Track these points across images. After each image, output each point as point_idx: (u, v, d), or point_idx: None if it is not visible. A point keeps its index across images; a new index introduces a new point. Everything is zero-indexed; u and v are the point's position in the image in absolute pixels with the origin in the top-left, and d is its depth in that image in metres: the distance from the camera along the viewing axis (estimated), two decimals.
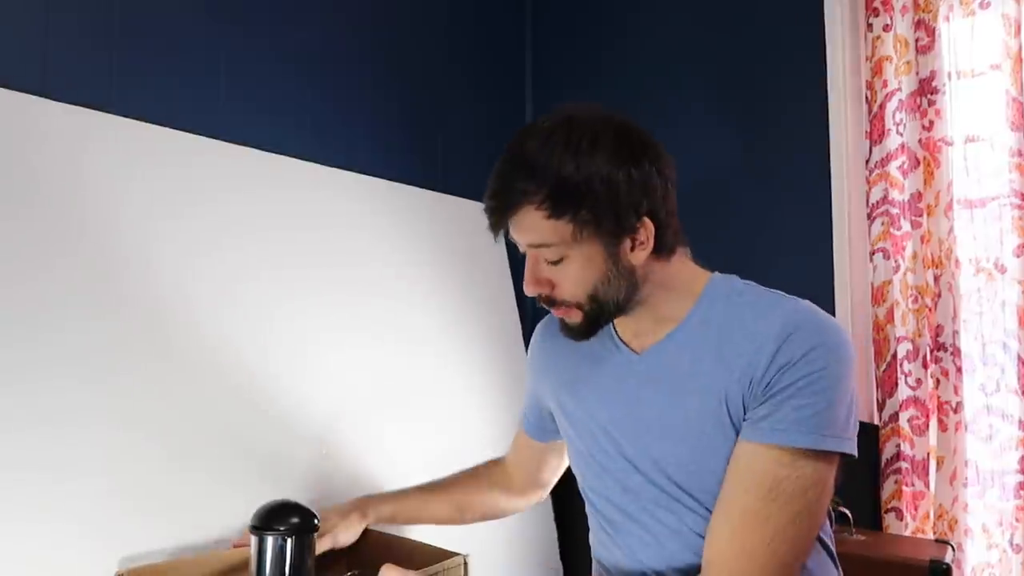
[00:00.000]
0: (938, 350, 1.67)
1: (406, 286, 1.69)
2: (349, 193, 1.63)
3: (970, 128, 1.67)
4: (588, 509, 1.01)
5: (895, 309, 1.68)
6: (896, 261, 1.69)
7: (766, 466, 0.78)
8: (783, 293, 0.87)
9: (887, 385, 1.68)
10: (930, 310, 1.68)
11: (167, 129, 1.32)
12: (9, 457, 1.01)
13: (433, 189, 1.85)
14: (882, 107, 1.71)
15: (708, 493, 0.84)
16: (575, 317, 0.88)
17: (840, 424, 0.79)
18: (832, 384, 0.78)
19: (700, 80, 2.00)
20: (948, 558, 1.37)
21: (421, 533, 1.26)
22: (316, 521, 1.05)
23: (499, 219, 0.85)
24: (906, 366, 1.67)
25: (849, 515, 1.50)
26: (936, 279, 1.67)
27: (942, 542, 1.49)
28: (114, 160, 1.24)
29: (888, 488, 1.66)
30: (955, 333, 1.64)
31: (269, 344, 1.37)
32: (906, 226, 1.69)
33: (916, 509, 1.64)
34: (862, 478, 1.69)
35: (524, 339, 1.96)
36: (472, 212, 1.92)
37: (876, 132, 1.72)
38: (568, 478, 1.15)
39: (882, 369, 1.69)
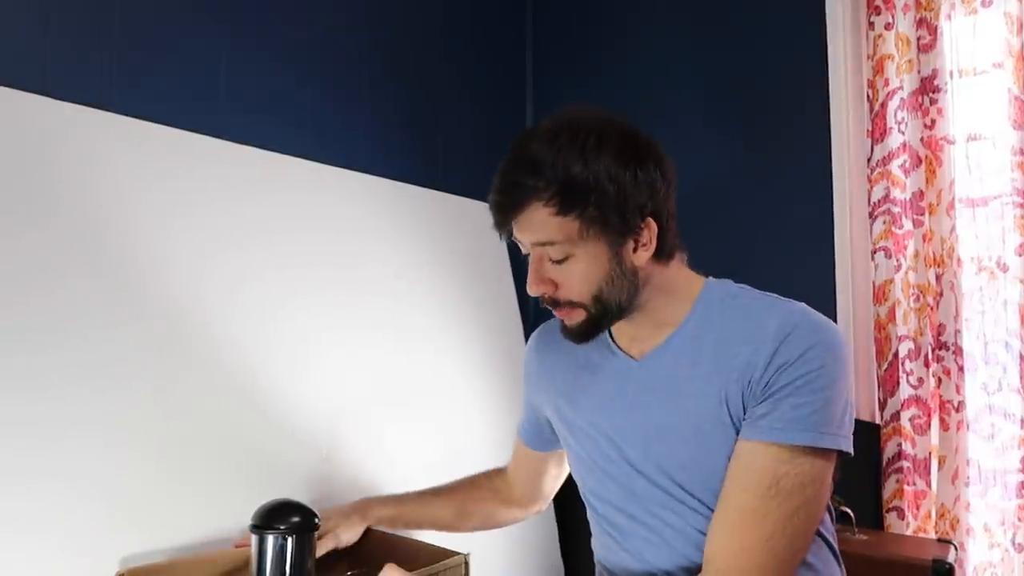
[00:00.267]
0: (940, 349, 1.66)
1: (406, 285, 1.69)
2: (349, 192, 1.63)
3: (972, 127, 1.67)
4: (590, 514, 1.01)
5: (897, 308, 1.67)
6: (898, 260, 1.68)
7: (765, 463, 0.79)
8: (777, 295, 0.88)
9: (889, 384, 1.68)
10: (932, 309, 1.67)
11: (167, 128, 1.32)
12: (10, 457, 1.01)
13: (433, 188, 1.84)
14: (884, 106, 1.71)
15: (712, 493, 0.85)
16: (577, 318, 0.88)
17: (837, 422, 0.80)
18: (829, 383, 0.80)
19: (701, 79, 2.00)
20: (951, 557, 1.37)
21: (422, 533, 1.25)
22: (317, 520, 1.05)
23: (505, 216, 0.85)
24: (908, 365, 1.66)
25: (851, 514, 1.49)
26: (938, 278, 1.67)
27: (944, 541, 1.49)
28: (113, 159, 1.23)
29: (890, 487, 1.65)
30: (957, 332, 1.63)
31: (269, 343, 1.37)
32: (908, 225, 1.69)
33: (918, 508, 1.64)
34: (864, 477, 1.68)
35: (525, 337, 1.96)
36: (473, 211, 1.93)
37: (878, 131, 1.72)
38: (569, 479, 1.15)
39: (884, 368, 1.69)
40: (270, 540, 1.01)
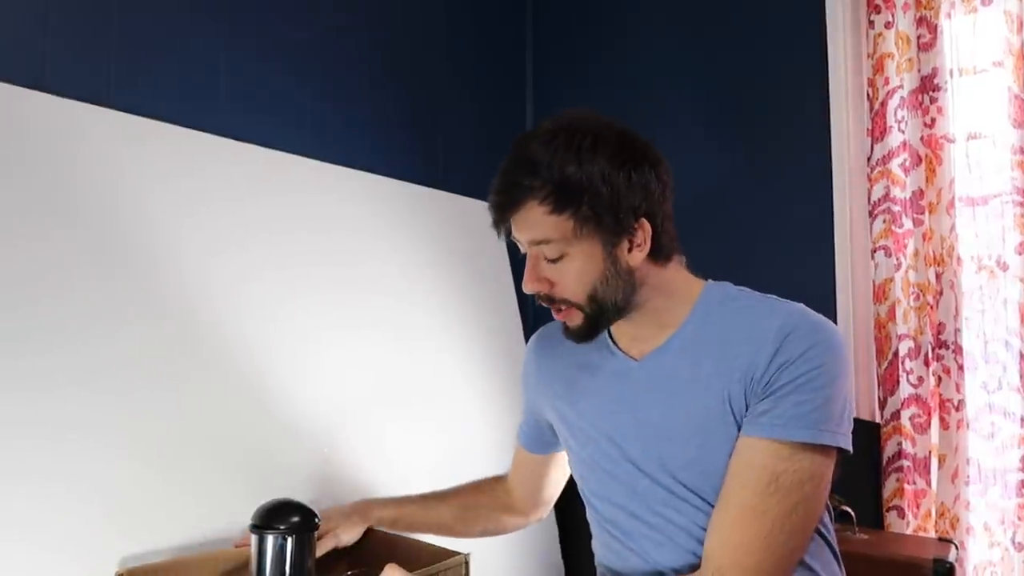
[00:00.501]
0: (940, 348, 1.66)
1: (407, 285, 1.68)
2: (349, 191, 1.63)
3: (972, 125, 1.67)
4: (591, 515, 1.01)
5: (897, 307, 1.67)
6: (898, 259, 1.68)
7: (765, 460, 0.80)
8: (776, 297, 0.89)
9: (888, 383, 1.68)
10: (932, 308, 1.67)
11: (166, 124, 1.32)
12: (11, 457, 1.01)
13: (433, 187, 1.84)
14: (884, 104, 1.71)
15: (715, 491, 0.86)
16: (576, 319, 0.89)
17: (836, 419, 0.82)
18: (829, 381, 0.81)
19: (701, 78, 2.00)
20: (951, 556, 1.37)
21: (422, 534, 1.25)
22: (316, 520, 1.05)
23: (502, 214, 0.87)
24: (908, 364, 1.66)
25: (851, 513, 1.49)
26: (938, 277, 1.67)
27: (944, 540, 1.49)
28: (112, 156, 1.23)
29: (890, 486, 1.65)
30: (957, 331, 1.63)
31: (269, 342, 1.37)
32: (908, 224, 1.69)
33: (918, 507, 1.64)
34: (864, 476, 1.68)
35: (525, 336, 1.95)
36: (472, 210, 1.92)
37: (878, 129, 1.72)
38: (570, 482, 1.15)
39: (883, 367, 1.69)
40: (270, 540, 1.01)
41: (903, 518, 1.63)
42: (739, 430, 0.84)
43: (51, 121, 1.17)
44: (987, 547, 1.62)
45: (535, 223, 0.85)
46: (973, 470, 1.62)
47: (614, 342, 0.96)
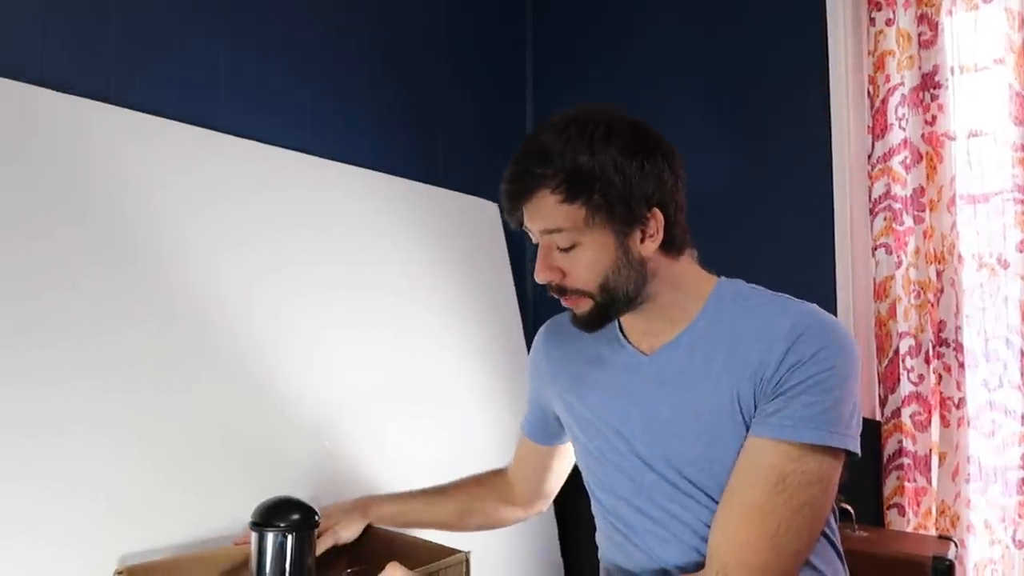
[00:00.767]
0: (940, 346, 1.66)
1: (407, 282, 1.68)
2: (349, 188, 1.63)
3: (973, 123, 1.66)
4: (596, 509, 1.01)
5: (897, 305, 1.67)
6: (898, 256, 1.68)
7: (773, 460, 0.80)
8: (789, 296, 0.89)
9: (889, 381, 1.68)
10: (932, 306, 1.67)
11: (167, 121, 1.32)
12: (10, 454, 1.01)
13: (433, 184, 1.84)
14: (884, 102, 1.71)
15: (721, 488, 0.86)
16: (585, 307, 0.89)
17: (846, 422, 0.81)
18: (839, 383, 0.81)
19: (702, 77, 2.00)
20: (951, 554, 1.37)
21: (422, 530, 1.25)
22: (316, 517, 1.05)
23: (515, 203, 0.87)
24: (908, 362, 1.66)
25: (852, 511, 1.49)
26: (939, 274, 1.66)
27: (945, 538, 1.49)
28: (114, 152, 1.23)
29: (890, 484, 1.65)
30: (957, 329, 1.63)
31: (268, 339, 1.36)
32: (908, 221, 1.69)
33: (918, 505, 1.64)
34: (864, 474, 1.68)
35: (525, 334, 1.95)
36: (473, 207, 1.93)
37: (878, 127, 1.71)
38: (571, 477, 1.15)
39: (884, 365, 1.69)
40: (270, 538, 1.01)
41: (903, 516, 1.63)
42: (747, 429, 0.84)
43: (54, 118, 1.17)
44: (987, 545, 1.62)
45: (547, 212, 0.85)
46: (974, 468, 1.62)
47: (624, 336, 0.95)
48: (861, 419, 0.85)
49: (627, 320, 0.94)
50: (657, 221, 0.86)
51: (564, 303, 0.91)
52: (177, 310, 1.25)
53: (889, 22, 1.71)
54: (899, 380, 1.66)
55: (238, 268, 1.35)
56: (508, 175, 0.88)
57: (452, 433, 1.65)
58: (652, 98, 2.02)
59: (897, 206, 1.68)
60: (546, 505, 1.20)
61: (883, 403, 1.69)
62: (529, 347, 1.16)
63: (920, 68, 1.70)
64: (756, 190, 1.89)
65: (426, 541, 1.18)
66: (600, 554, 1.02)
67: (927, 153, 1.69)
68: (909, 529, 1.62)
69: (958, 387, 1.62)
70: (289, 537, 1.01)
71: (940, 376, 1.66)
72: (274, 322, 1.38)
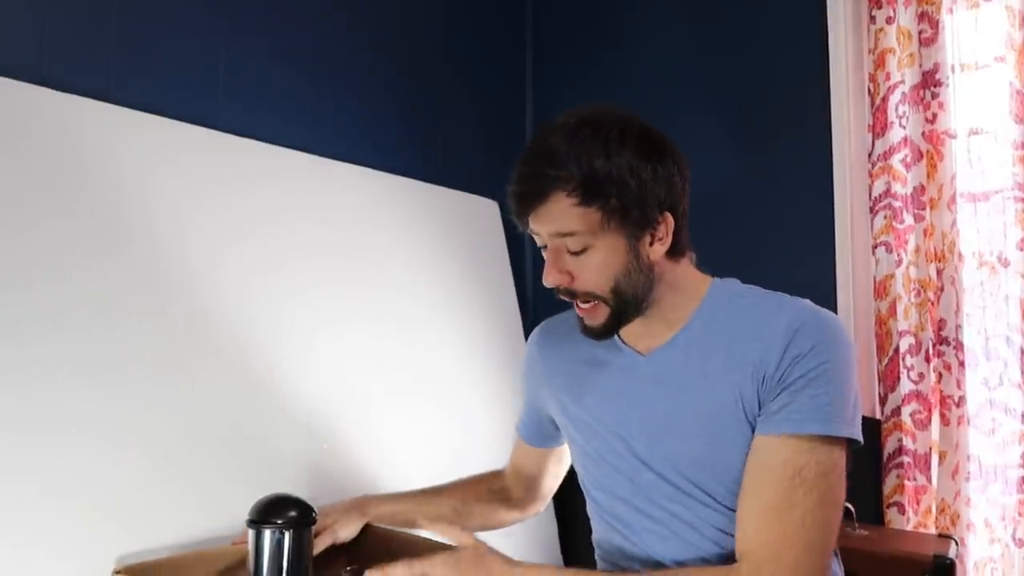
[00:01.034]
0: (940, 344, 1.66)
1: (406, 279, 1.68)
2: (349, 186, 1.63)
3: (973, 121, 1.66)
4: (592, 507, 1.01)
5: (897, 303, 1.67)
6: (899, 255, 1.68)
7: (786, 456, 0.81)
8: (782, 294, 0.90)
9: (889, 379, 1.67)
10: (932, 304, 1.67)
11: (165, 119, 1.32)
12: (7, 452, 1.01)
13: (433, 183, 1.84)
14: (885, 100, 1.70)
15: (722, 486, 0.86)
16: (600, 315, 0.88)
17: (849, 411, 0.82)
18: (840, 374, 0.82)
19: (702, 75, 1.99)
20: (951, 553, 1.37)
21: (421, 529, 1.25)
22: (314, 515, 1.05)
23: (527, 206, 0.85)
24: (908, 360, 1.66)
25: (851, 509, 1.49)
26: (939, 273, 1.66)
27: (945, 537, 1.48)
28: (111, 151, 1.23)
29: (890, 483, 1.65)
30: (958, 327, 1.63)
31: (267, 336, 1.36)
32: (909, 220, 1.68)
33: (918, 504, 1.64)
34: (864, 473, 1.68)
35: (525, 332, 1.95)
36: (472, 205, 1.92)
37: (879, 125, 1.71)
38: (569, 477, 1.14)
39: (884, 363, 1.69)
40: (267, 535, 1.01)
41: (903, 514, 1.63)
42: (751, 428, 0.84)
43: (53, 116, 1.17)
44: (987, 543, 1.61)
45: (560, 215, 0.84)
46: (974, 466, 1.61)
47: (620, 337, 0.95)
48: (860, 408, 0.85)
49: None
50: (667, 224, 0.86)
51: (579, 311, 0.90)
52: (176, 308, 1.24)
53: (889, 20, 1.70)
54: (899, 378, 1.65)
55: (238, 266, 1.35)
56: (519, 177, 0.86)
57: (452, 431, 1.65)
58: (652, 96, 2.02)
59: (897, 204, 1.68)
60: (544, 506, 1.20)
61: (883, 401, 1.69)
62: None
63: (920, 66, 1.70)
64: (756, 189, 1.88)
65: (425, 539, 1.18)
66: (595, 540, 1.01)
67: (927, 151, 1.68)
68: (909, 528, 1.62)
69: (958, 385, 1.61)
70: (286, 534, 1.00)
71: (940, 374, 1.65)
72: (274, 320, 1.38)
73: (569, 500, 1.23)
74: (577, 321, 0.93)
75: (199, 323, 1.27)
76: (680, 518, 0.89)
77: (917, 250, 1.68)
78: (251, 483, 1.21)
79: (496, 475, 1.21)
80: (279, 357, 1.36)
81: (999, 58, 1.63)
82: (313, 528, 1.05)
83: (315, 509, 1.05)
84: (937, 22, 1.68)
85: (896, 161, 1.69)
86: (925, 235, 1.68)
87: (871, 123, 1.73)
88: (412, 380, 1.61)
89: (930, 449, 1.64)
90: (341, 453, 1.41)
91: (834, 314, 0.88)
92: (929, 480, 1.64)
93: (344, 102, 1.70)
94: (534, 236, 0.88)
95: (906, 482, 1.63)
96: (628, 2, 2.13)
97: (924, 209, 1.68)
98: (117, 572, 1.02)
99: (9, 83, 1.13)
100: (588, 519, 1.03)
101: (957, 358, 1.62)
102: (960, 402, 1.61)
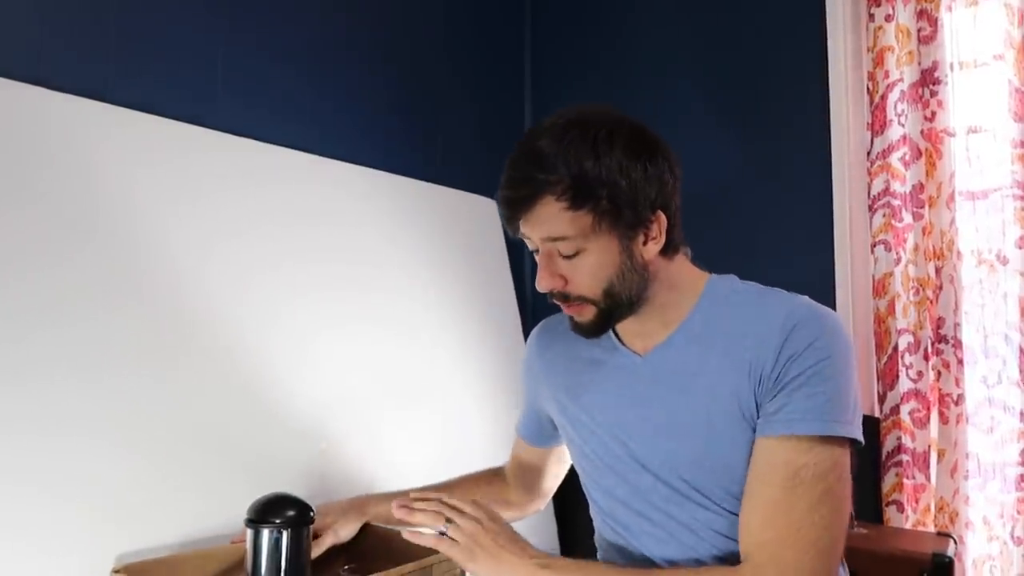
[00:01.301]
0: (939, 342, 1.66)
1: (405, 279, 1.68)
2: (348, 185, 1.62)
3: (972, 119, 1.66)
4: (593, 509, 1.01)
5: (896, 301, 1.67)
6: (897, 253, 1.68)
7: (784, 457, 0.80)
8: (780, 290, 0.88)
9: (888, 377, 1.68)
10: (931, 302, 1.67)
11: (163, 119, 1.31)
12: (5, 452, 1.01)
13: (432, 182, 1.84)
14: (884, 98, 1.70)
15: (720, 488, 0.85)
16: (588, 314, 0.88)
17: (849, 411, 0.81)
18: (837, 372, 0.81)
19: (700, 74, 1.99)
20: (950, 551, 1.37)
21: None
22: (312, 514, 1.05)
23: (516, 211, 0.84)
24: (907, 358, 1.66)
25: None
26: (938, 271, 1.66)
27: (943, 535, 1.49)
28: (109, 150, 1.23)
29: (889, 481, 1.65)
30: (956, 325, 1.63)
31: (265, 336, 1.36)
32: (908, 218, 1.69)
33: (917, 502, 1.64)
34: (863, 471, 1.66)
35: (524, 331, 1.95)
36: (471, 205, 1.92)
37: (878, 123, 1.71)
38: (569, 476, 1.14)
39: (883, 361, 1.69)
40: (265, 534, 1.01)
41: (902, 512, 1.63)
42: (750, 428, 0.83)
43: (46, 113, 1.17)
44: (986, 541, 1.62)
45: (551, 219, 0.82)
46: (972, 464, 1.61)
47: (618, 337, 0.95)
48: (860, 407, 0.84)
49: (621, 322, 0.93)
50: (660, 224, 0.85)
51: (566, 310, 0.89)
52: (174, 308, 1.24)
53: (888, 18, 1.70)
54: (898, 377, 1.65)
55: (236, 266, 1.35)
56: (507, 182, 0.84)
57: (449, 431, 1.65)
58: (650, 96, 2.02)
59: (896, 202, 1.68)
60: (543, 504, 1.20)
61: (882, 400, 1.69)
62: None
63: (919, 64, 1.70)
64: (755, 187, 1.88)
65: None
66: (596, 536, 1.01)
67: (926, 149, 1.68)
68: (908, 526, 1.62)
69: (957, 384, 1.62)
70: (285, 534, 1.00)
71: (939, 373, 1.66)
72: (271, 320, 1.38)
73: (569, 500, 1.23)
74: (568, 319, 0.92)
75: (198, 323, 1.26)
76: (678, 520, 0.88)
77: (916, 248, 1.68)
78: (250, 482, 1.21)
79: (496, 473, 1.20)
80: (277, 357, 1.36)
81: (998, 56, 1.63)
82: (312, 528, 1.05)
83: (313, 508, 1.05)
84: (936, 20, 1.68)
85: (895, 159, 1.69)
86: (924, 233, 1.68)
87: (870, 121, 1.73)
88: (410, 381, 1.61)
89: (929, 447, 1.64)
90: (339, 453, 1.41)
91: (833, 311, 0.86)
92: (928, 478, 1.64)
93: (343, 101, 1.70)
94: (525, 241, 0.87)
95: (905, 480, 1.63)
96: (627, 2, 2.12)
97: (923, 207, 1.68)
98: (116, 571, 1.02)
99: (6, 83, 1.12)
100: (588, 519, 1.03)
101: (956, 356, 1.62)
102: (959, 400, 1.61)
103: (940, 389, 1.65)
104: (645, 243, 0.85)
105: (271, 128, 1.50)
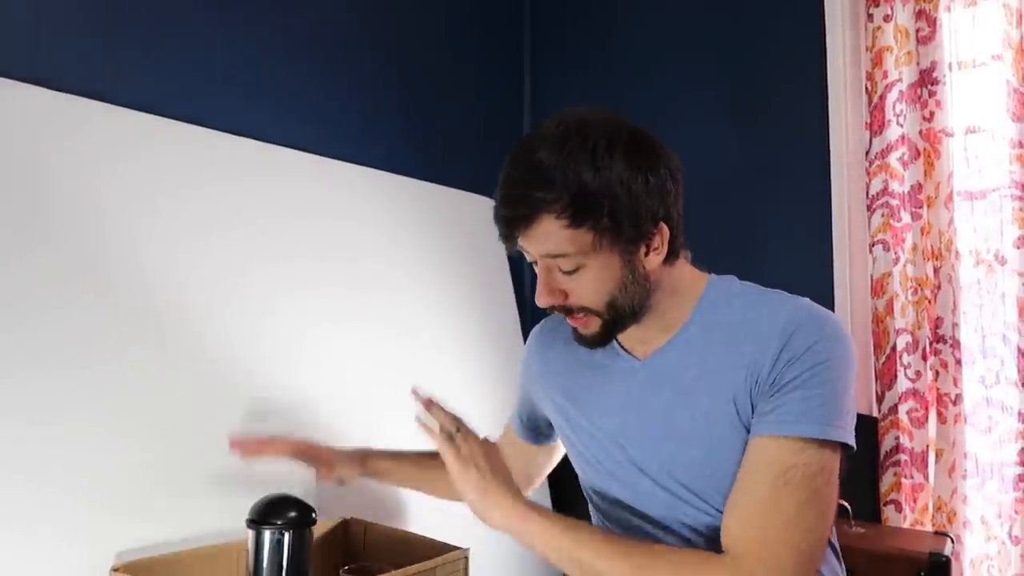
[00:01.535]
0: (937, 342, 1.66)
1: (404, 278, 1.68)
2: (347, 184, 1.62)
3: (971, 119, 1.66)
4: (592, 510, 1.00)
5: (895, 301, 1.67)
6: (896, 253, 1.68)
7: (773, 456, 0.79)
8: (781, 291, 0.87)
9: (886, 377, 1.68)
10: (930, 302, 1.67)
11: (161, 118, 1.31)
12: (6, 452, 1.01)
13: (432, 181, 1.84)
14: (882, 98, 1.70)
15: (718, 492, 0.84)
16: (592, 326, 0.87)
17: (843, 415, 0.80)
18: (834, 376, 0.80)
19: (699, 73, 1.99)
20: (947, 550, 1.37)
21: (420, 525, 1.25)
22: (314, 515, 1.05)
23: (514, 230, 0.82)
24: (905, 358, 1.66)
25: (848, 507, 1.49)
26: (936, 271, 1.66)
27: (941, 534, 1.49)
28: (108, 149, 1.23)
29: (887, 480, 1.65)
30: (955, 325, 1.63)
31: (264, 336, 1.36)
32: (906, 218, 1.69)
33: (915, 501, 1.64)
34: (861, 470, 1.68)
35: (523, 331, 1.95)
36: (470, 205, 1.92)
37: (876, 123, 1.71)
38: (569, 471, 1.14)
39: (881, 361, 1.69)
40: (267, 535, 1.01)
41: (900, 512, 1.63)
42: (745, 431, 0.82)
43: (44, 112, 1.16)
44: (984, 541, 1.62)
45: (550, 237, 0.80)
46: (970, 464, 1.62)
47: (618, 342, 0.94)
48: (855, 412, 0.83)
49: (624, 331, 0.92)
50: (663, 235, 0.83)
51: (570, 322, 0.88)
52: (174, 307, 1.24)
53: (887, 18, 1.71)
54: (896, 376, 1.66)
55: (236, 265, 1.35)
56: (504, 198, 0.81)
57: None
58: (649, 95, 2.02)
59: (895, 202, 1.68)
60: (528, 492, 1.18)
61: (880, 399, 1.69)
62: None
63: (918, 64, 1.70)
64: (754, 186, 1.89)
65: (426, 538, 1.18)
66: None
67: (925, 149, 1.69)
68: (906, 525, 1.62)
69: (955, 383, 1.62)
70: (286, 535, 1.01)
71: (937, 372, 1.66)
72: (271, 318, 1.38)
73: (568, 502, 1.23)
74: (571, 330, 0.91)
75: (199, 322, 1.27)
76: (677, 524, 0.87)
77: (914, 248, 1.69)
78: (250, 481, 1.21)
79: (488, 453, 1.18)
80: (277, 357, 1.36)
81: (996, 56, 1.63)
82: (312, 527, 1.05)
83: (315, 509, 1.06)
84: (935, 20, 1.68)
85: (893, 159, 1.69)
86: (922, 233, 1.68)
87: (868, 121, 1.73)
88: (410, 379, 1.60)
89: (927, 447, 1.65)
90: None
91: (833, 313, 0.85)
92: (926, 478, 1.64)
93: (343, 101, 1.70)
94: (524, 253, 0.86)
95: (903, 480, 1.64)
96: (626, 2, 2.12)
97: (921, 207, 1.68)
98: (116, 569, 1.03)
99: (5, 82, 1.12)
100: (587, 515, 1.03)
101: (954, 356, 1.63)
102: (957, 400, 1.61)
103: (938, 389, 1.66)
104: (647, 254, 0.83)
105: (272, 128, 1.50)
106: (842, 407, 0.80)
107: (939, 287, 1.66)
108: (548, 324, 1.08)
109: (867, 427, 1.69)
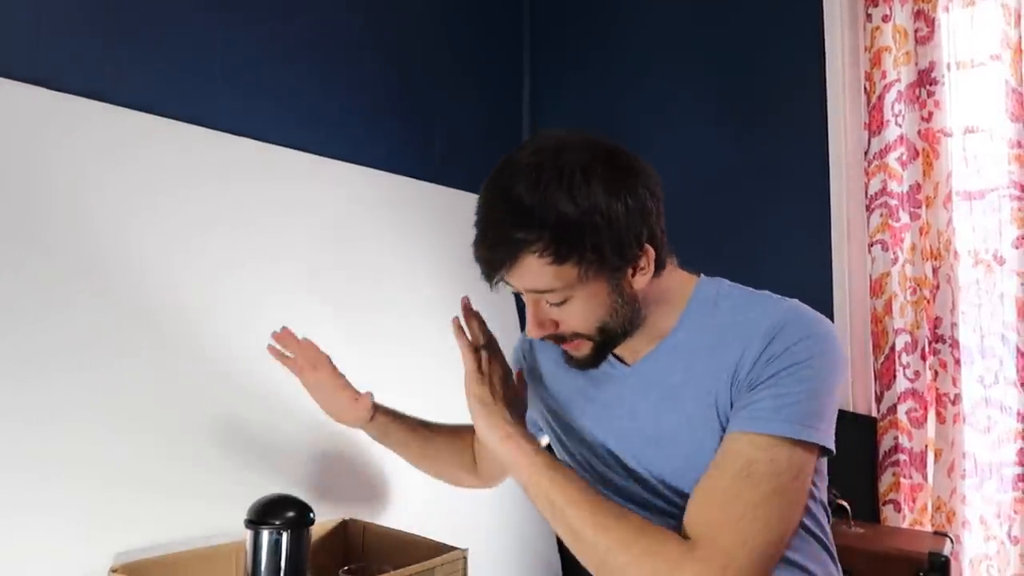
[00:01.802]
0: (936, 342, 1.66)
1: (403, 277, 1.68)
2: (346, 183, 1.62)
3: (969, 119, 1.66)
4: None
5: (893, 301, 1.67)
6: (894, 253, 1.68)
7: (740, 448, 0.78)
8: (771, 293, 0.87)
9: (885, 377, 1.68)
10: (928, 302, 1.67)
11: (161, 118, 1.31)
12: (2, 452, 1.01)
13: (431, 181, 1.84)
14: (881, 98, 1.70)
15: None
16: (584, 349, 0.87)
17: (819, 416, 0.79)
18: (815, 375, 0.78)
19: (699, 73, 1.99)
20: (946, 550, 1.37)
21: (420, 526, 1.25)
22: (312, 515, 1.05)
23: (495, 271, 0.81)
24: (904, 358, 1.66)
25: (847, 507, 1.50)
26: (935, 271, 1.66)
27: (940, 534, 1.49)
28: (107, 149, 1.23)
29: (886, 480, 1.65)
30: (953, 325, 1.63)
31: (263, 336, 1.36)
32: (905, 218, 1.69)
33: (914, 501, 1.64)
34: (860, 470, 1.69)
35: (522, 330, 1.95)
36: (470, 205, 1.91)
37: (875, 123, 1.71)
38: None
39: (880, 361, 1.69)
40: (265, 535, 1.01)
41: (899, 512, 1.63)
42: (724, 432, 0.81)
43: (43, 112, 1.17)
44: (983, 541, 1.62)
45: (535, 275, 0.79)
46: (969, 464, 1.62)
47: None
48: (836, 415, 0.82)
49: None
50: (648, 256, 0.82)
51: (564, 347, 0.88)
52: (173, 307, 1.24)
53: (886, 18, 1.71)
54: (895, 376, 1.66)
55: (234, 263, 1.35)
56: (484, 238, 0.80)
57: None
58: (648, 96, 2.02)
59: (893, 202, 1.68)
60: (497, 483, 1.18)
61: (879, 399, 1.69)
62: None
63: (916, 64, 1.70)
64: (753, 186, 1.89)
65: (425, 538, 1.18)
66: None
67: (923, 149, 1.69)
68: (905, 525, 1.62)
69: (954, 383, 1.62)
70: (284, 535, 1.01)
71: (936, 372, 1.66)
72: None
73: None
74: (562, 352, 0.91)
75: (199, 321, 1.27)
76: (669, 528, 0.87)
77: (913, 248, 1.69)
78: (249, 481, 1.21)
79: (468, 445, 1.17)
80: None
81: (995, 56, 1.63)
82: (311, 527, 1.05)
83: (313, 509, 1.06)
84: (933, 20, 1.68)
85: (892, 159, 1.69)
86: (921, 233, 1.68)
87: (867, 121, 1.73)
88: (409, 379, 1.61)
89: (926, 447, 1.65)
90: (336, 452, 1.41)
91: (823, 316, 0.84)
92: (925, 478, 1.64)
93: (343, 101, 1.70)
94: (508, 285, 0.85)
95: (902, 480, 1.64)
96: (625, 3, 2.13)
97: (920, 207, 1.69)
98: (114, 571, 1.03)
99: (3, 82, 1.13)
100: None
101: (953, 356, 1.63)
102: (956, 400, 1.61)
103: (937, 389, 1.66)
104: (634, 275, 0.83)
105: (271, 128, 1.51)
106: (819, 408, 0.78)
107: (938, 287, 1.66)
108: None
109: (866, 427, 1.69)
